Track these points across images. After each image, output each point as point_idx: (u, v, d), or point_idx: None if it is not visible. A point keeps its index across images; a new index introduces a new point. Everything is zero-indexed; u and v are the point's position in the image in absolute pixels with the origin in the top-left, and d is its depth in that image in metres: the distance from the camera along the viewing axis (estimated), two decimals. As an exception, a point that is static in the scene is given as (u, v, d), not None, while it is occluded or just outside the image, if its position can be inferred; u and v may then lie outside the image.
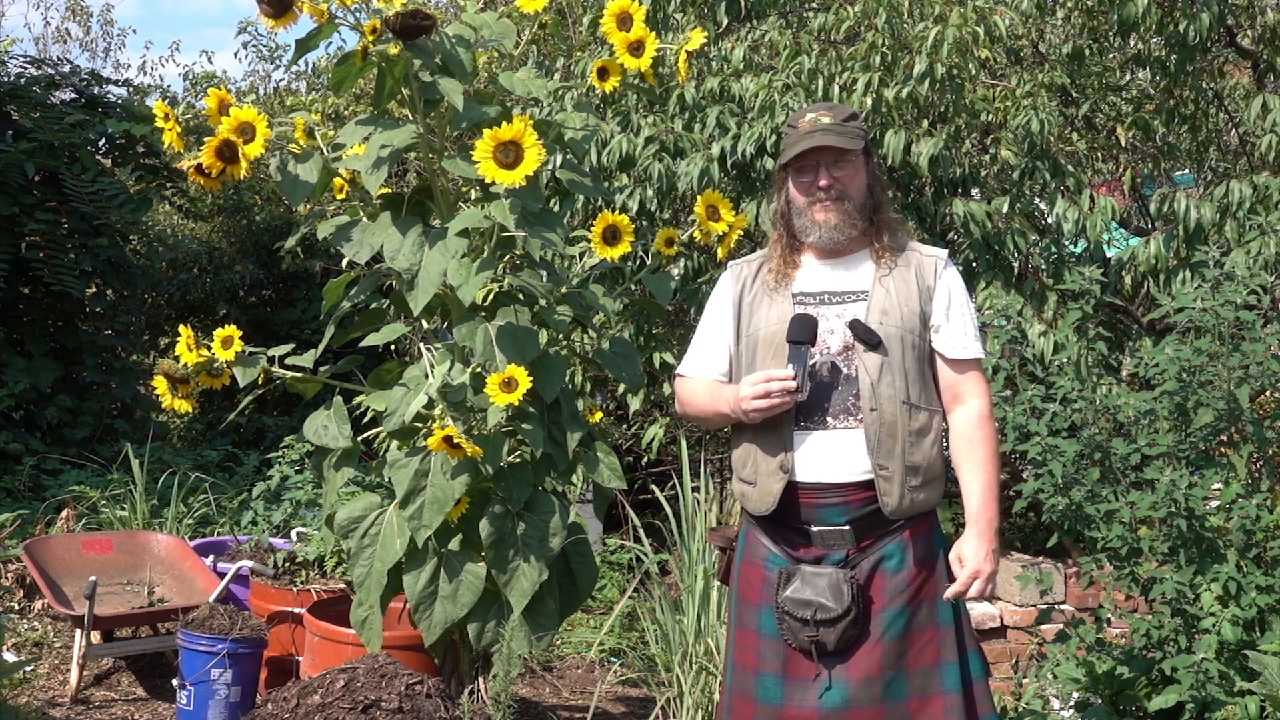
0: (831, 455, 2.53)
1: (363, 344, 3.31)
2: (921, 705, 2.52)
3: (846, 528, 2.54)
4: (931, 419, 2.56)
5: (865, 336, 2.53)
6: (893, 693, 2.51)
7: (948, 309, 2.60)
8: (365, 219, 3.17)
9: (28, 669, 4.53)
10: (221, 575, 4.58)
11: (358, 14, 2.95)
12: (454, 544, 3.17)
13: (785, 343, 2.53)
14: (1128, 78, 5.63)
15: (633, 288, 3.84)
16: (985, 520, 2.54)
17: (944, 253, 2.66)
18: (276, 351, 3.23)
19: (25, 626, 5.04)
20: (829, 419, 2.54)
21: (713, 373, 2.70)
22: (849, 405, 2.53)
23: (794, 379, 2.48)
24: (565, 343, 3.58)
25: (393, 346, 5.95)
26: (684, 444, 5.05)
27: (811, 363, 2.53)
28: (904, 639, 2.53)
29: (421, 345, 3.20)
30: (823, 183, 2.58)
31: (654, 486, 5.22)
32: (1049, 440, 3.38)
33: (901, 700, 2.52)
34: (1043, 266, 4.80)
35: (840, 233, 2.59)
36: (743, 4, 5.28)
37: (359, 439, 3.30)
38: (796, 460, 2.54)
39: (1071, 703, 3.47)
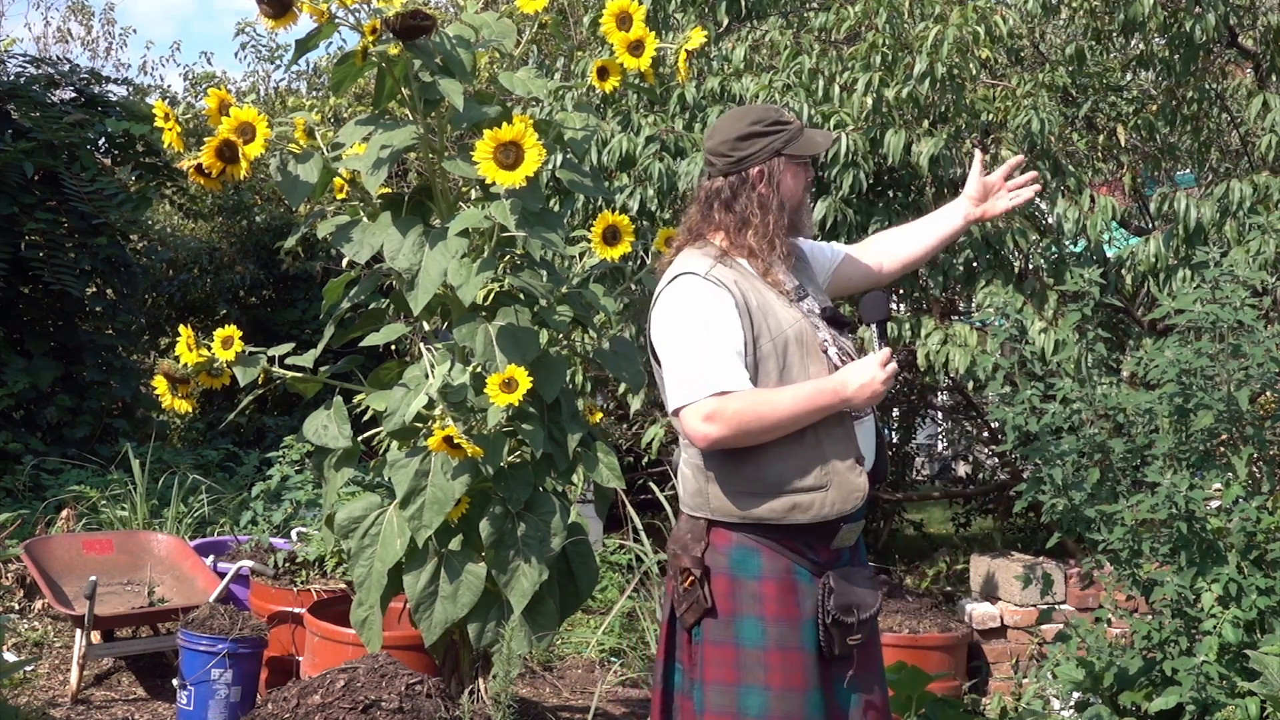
0: (868, 444, 2.50)
1: (363, 344, 3.31)
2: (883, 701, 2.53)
3: (861, 521, 2.51)
4: None
5: (845, 321, 2.55)
6: (878, 684, 2.50)
7: (820, 245, 2.73)
8: (365, 219, 3.17)
9: (28, 669, 4.53)
10: (221, 575, 4.58)
11: (358, 14, 2.95)
12: (454, 544, 3.17)
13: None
14: (1129, 78, 5.62)
15: (633, 288, 3.84)
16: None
17: None
18: (276, 351, 3.23)
19: (25, 626, 5.04)
20: None
21: (747, 383, 2.39)
22: None
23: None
24: (565, 343, 3.58)
25: (393, 346, 5.94)
26: (684, 444, 5.04)
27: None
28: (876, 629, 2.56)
29: (421, 345, 3.20)
30: (812, 176, 2.58)
31: (654, 486, 5.22)
32: (1049, 447, 3.37)
33: (881, 692, 2.51)
34: (1043, 266, 4.79)
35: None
36: (743, 4, 5.27)
37: (359, 439, 3.30)
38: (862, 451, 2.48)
39: (1071, 703, 3.47)
